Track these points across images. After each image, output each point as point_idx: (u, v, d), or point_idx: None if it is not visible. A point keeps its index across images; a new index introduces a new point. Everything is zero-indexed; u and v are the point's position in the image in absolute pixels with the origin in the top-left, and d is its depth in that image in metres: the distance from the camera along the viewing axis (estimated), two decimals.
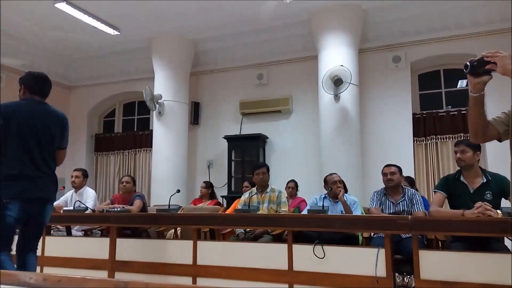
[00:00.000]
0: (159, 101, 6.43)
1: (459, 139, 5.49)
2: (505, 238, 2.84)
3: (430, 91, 6.25)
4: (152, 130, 6.86)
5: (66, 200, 4.53)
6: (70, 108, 8.17)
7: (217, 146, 6.94)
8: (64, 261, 3.66)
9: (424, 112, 6.04)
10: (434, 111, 5.98)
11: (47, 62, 7.41)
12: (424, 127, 5.96)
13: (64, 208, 4.26)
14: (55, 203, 4.48)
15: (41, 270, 3.71)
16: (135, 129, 7.99)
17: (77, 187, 4.48)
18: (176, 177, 6.34)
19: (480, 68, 1.70)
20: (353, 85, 5.47)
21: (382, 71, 6.13)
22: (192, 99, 7.09)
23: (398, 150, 5.79)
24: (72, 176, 4.50)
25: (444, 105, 6.09)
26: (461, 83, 6.07)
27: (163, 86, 6.57)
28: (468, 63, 1.73)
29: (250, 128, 6.73)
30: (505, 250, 2.76)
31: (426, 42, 5.92)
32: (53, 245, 3.78)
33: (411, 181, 4.57)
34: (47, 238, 3.80)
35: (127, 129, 8.08)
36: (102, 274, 3.51)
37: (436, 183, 4.11)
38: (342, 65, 5.40)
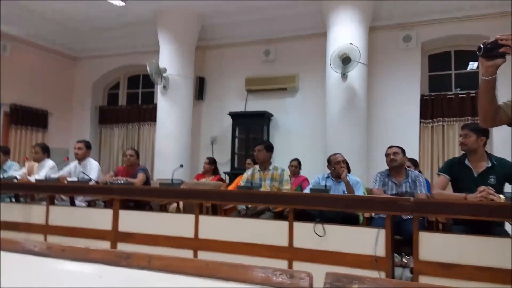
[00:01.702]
0: (164, 75, 6.38)
1: (466, 122, 5.43)
2: (506, 222, 2.85)
3: (439, 72, 6.15)
4: (156, 104, 6.83)
5: (70, 171, 4.57)
6: (75, 79, 8.16)
7: (221, 123, 6.92)
8: (68, 231, 3.72)
9: (433, 94, 5.96)
10: (442, 93, 5.90)
11: (53, 32, 7.34)
12: (432, 109, 5.90)
13: (68, 179, 4.30)
14: (59, 173, 4.55)
15: (45, 239, 3.78)
16: (140, 103, 7.97)
17: (80, 159, 4.51)
18: (180, 152, 6.36)
19: (494, 51, 1.66)
20: (362, 64, 5.39)
21: (392, 50, 6.02)
22: (198, 74, 7.03)
23: (404, 132, 5.75)
24: (75, 148, 4.52)
25: (453, 88, 6.01)
26: (472, 65, 5.97)
27: (168, 60, 6.50)
28: (481, 45, 1.68)
29: (255, 105, 6.69)
30: (505, 234, 2.77)
31: (438, 22, 5.78)
32: (57, 214, 3.83)
33: (414, 163, 4.56)
34: (51, 208, 3.85)
35: (131, 102, 8.07)
36: (105, 245, 3.57)
37: (440, 166, 4.09)
38: (351, 43, 5.31)
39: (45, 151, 4.80)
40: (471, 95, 5.65)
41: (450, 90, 5.96)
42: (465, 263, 2.54)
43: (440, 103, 5.86)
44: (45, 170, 4.59)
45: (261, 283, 0.56)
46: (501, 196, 2.61)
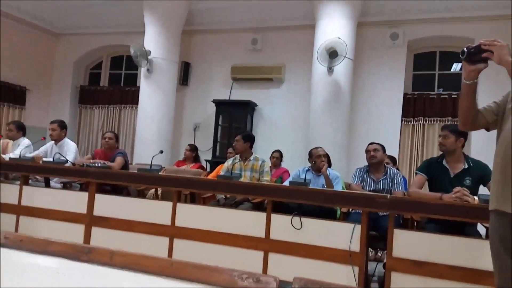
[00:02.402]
0: (148, 57, 6.24)
1: (446, 123, 5.53)
2: (479, 224, 2.92)
3: (424, 72, 6.22)
4: (139, 87, 6.70)
5: (46, 150, 4.44)
6: (56, 56, 7.92)
7: (205, 110, 6.85)
8: (42, 212, 3.64)
9: (416, 93, 6.03)
10: (425, 92, 5.98)
11: (34, 6, 7.07)
12: (414, 108, 5.97)
13: (44, 159, 4.19)
14: (34, 153, 4.42)
15: (17, 219, 3.69)
16: (122, 84, 7.80)
17: (56, 140, 4.38)
18: (161, 137, 6.28)
19: (477, 56, 1.67)
20: (348, 59, 5.39)
21: (378, 47, 6.05)
22: (183, 58, 6.91)
23: (386, 129, 5.81)
24: (49, 129, 4.39)
25: (436, 88, 6.09)
26: (456, 67, 6.05)
27: (154, 42, 6.36)
28: (465, 49, 1.69)
29: (240, 94, 6.64)
30: (477, 235, 2.83)
31: (426, 21, 5.82)
32: (31, 195, 3.73)
33: (393, 161, 4.62)
34: (24, 188, 3.74)
35: (113, 83, 7.89)
36: (79, 228, 3.51)
37: (419, 165, 4.15)
38: (339, 38, 5.29)
39: (20, 129, 4.65)
40: (453, 96, 5.74)
41: (433, 90, 6.04)
42: (437, 262, 2.60)
43: (423, 102, 5.94)
44: (20, 148, 4.46)
45: (226, 286, 0.54)
46: (475, 197, 2.67)
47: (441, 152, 3.07)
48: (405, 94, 5.98)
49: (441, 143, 2.97)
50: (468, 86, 1.76)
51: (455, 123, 4.77)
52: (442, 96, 5.86)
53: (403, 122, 5.99)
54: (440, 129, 3.09)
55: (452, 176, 2.93)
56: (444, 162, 2.99)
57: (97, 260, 0.62)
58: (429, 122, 5.89)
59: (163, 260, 0.59)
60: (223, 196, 3.72)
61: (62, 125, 4.42)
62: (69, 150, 4.31)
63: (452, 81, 5.94)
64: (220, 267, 0.57)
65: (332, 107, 5.44)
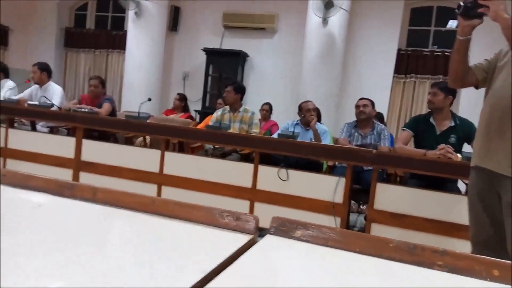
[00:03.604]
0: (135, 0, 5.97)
1: (437, 81, 5.51)
2: (460, 181, 3.01)
3: (419, 27, 6.10)
4: (126, 31, 6.46)
5: (30, 94, 4.33)
6: None
7: (194, 58, 6.69)
8: (28, 156, 3.63)
9: (409, 49, 5.95)
10: (419, 49, 5.90)
11: None
12: (407, 64, 5.92)
13: (29, 102, 4.10)
14: (18, 96, 4.32)
15: (4, 162, 3.68)
16: (109, 28, 7.51)
17: (39, 83, 4.25)
18: (149, 85, 6.16)
19: (473, 10, 1.64)
20: (344, 10, 5.23)
21: None
22: (172, 2, 6.62)
23: (377, 84, 5.79)
24: (31, 72, 4.25)
25: (430, 44, 6.00)
26: (452, 24, 5.94)
27: None
28: (461, 3, 1.65)
29: (231, 43, 6.47)
30: (456, 191, 2.93)
31: None
32: (17, 138, 3.70)
33: (380, 117, 4.63)
34: (10, 131, 3.70)
35: (100, 27, 7.59)
36: (67, 173, 3.53)
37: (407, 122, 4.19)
38: None
39: (3, 71, 4.50)
40: (446, 54, 5.67)
41: (427, 47, 5.96)
42: (416, 215, 2.70)
43: (415, 59, 5.88)
44: (4, 90, 4.34)
45: (206, 223, 0.55)
46: (459, 155, 2.73)
47: (429, 110, 3.09)
48: (399, 50, 5.90)
49: (430, 100, 2.98)
50: (461, 42, 1.74)
51: (446, 81, 4.76)
52: (435, 53, 5.80)
53: (394, 78, 5.95)
54: (430, 86, 3.09)
55: (438, 134, 2.97)
56: (431, 119, 3.02)
57: (79, 195, 0.62)
58: (420, 80, 5.87)
59: (145, 197, 0.60)
60: (212, 147, 3.73)
61: (43, 67, 4.25)
62: (55, 94, 4.22)
63: (447, 38, 5.85)
64: (201, 205, 0.58)
65: (324, 60, 5.35)
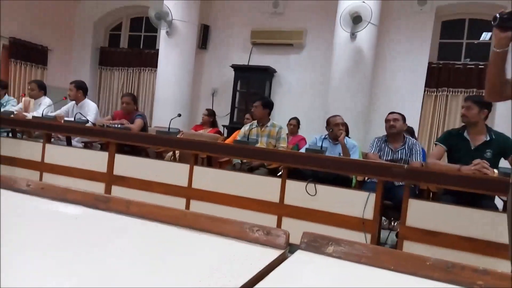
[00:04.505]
0: (167, 19, 6.17)
1: (470, 94, 5.36)
2: (497, 197, 2.87)
3: (451, 40, 5.97)
4: (158, 49, 6.67)
5: (67, 110, 4.53)
6: (76, 16, 7.91)
7: (223, 74, 6.80)
8: (63, 170, 3.76)
9: (441, 62, 5.82)
10: (451, 62, 5.76)
11: None
12: (438, 77, 5.79)
13: (65, 118, 4.27)
14: (56, 112, 4.52)
15: (41, 176, 3.82)
16: (141, 47, 7.78)
17: (75, 100, 4.44)
18: (179, 101, 6.30)
19: (509, 22, 1.59)
20: (372, 24, 5.20)
21: (405, 12, 5.81)
22: (202, 21, 6.80)
23: (407, 98, 5.68)
24: (68, 90, 4.45)
25: (462, 57, 5.86)
26: (485, 36, 5.78)
27: (173, 3, 6.25)
28: (497, 15, 1.61)
29: (259, 59, 6.54)
30: (493, 208, 2.80)
31: None
32: (53, 153, 3.84)
33: (411, 131, 4.53)
34: (47, 146, 3.86)
35: (133, 45, 7.88)
36: (100, 186, 3.62)
37: (439, 136, 4.07)
38: (363, 1, 5.09)
39: (41, 89, 4.72)
40: (480, 66, 5.52)
41: (459, 60, 5.82)
42: (450, 232, 2.60)
43: (448, 72, 5.74)
44: (42, 107, 4.55)
45: (237, 237, 0.56)
46: (495, 170, 2.62)
47: (463, 124, 3.00)
48: (429, 63, 5.78)
49: (464, 114, 2.89)
50: (497, 54, 1.69)
51: (481, 94, 4.61)
52: (468, 66, 5.65)
53: (426, 92, 5.83)
54: (464, 100, 3.00)
55: (472, 148, 2.87)
56: (465, 134, 2.92)
57: (114, 208, 0.64)
58: (453, 93, 5.72)
59: (178, 211, 0.61)
60: (239, 161, 3.75)
61: (79, 86, 4.45)
62: (90, 111, 4.38)
63: (480, 51, 5.70)
64: (232, 219, 0.58)
65: (353, 74, 5.31)
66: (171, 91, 6.31)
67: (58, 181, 3.72)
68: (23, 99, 4.73)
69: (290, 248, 0.55)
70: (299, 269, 0.51)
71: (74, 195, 0.67)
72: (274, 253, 0.52)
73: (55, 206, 0.66)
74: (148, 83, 7.52)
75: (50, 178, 3.80)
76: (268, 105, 4.02)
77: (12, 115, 4.22)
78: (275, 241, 0.54)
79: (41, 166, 3.84)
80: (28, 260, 0.45)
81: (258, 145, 3.80)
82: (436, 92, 5.80)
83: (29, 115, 4.38)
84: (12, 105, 4.81)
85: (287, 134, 4.26)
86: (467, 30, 5.86)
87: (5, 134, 4.39)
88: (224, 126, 6.44)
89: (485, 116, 2.87)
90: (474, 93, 5.38)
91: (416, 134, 5.14)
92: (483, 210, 2.62)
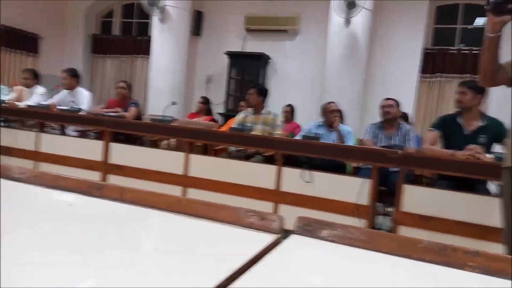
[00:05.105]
0: (159, 5, 6.08)
1: (465, 80, 5.36)
2: (489, 182, 2.90)
3: (445, 25, 5.95)
4: (151, 36, 6.59)
5: (60, 99, 4.48)
6: (67, 4, 7.77)
7: (217, 61, 6.75)
8: (58, 159, 3.74)
9: (435, 47, 5.81)
10: (445, 47, 5.75)
11: None
12: (433, 63, 5.78)
13: (58, 107, 4.23)
14: (49, 101, 4.47)
15: (36, 166, 3.80)
16: (134, 34, 7.69)
17: (69, 88, 4.40)
18: (174, 89, 6.26)
19: (503, 6, 1.58)
20: (367, 10, 5.17)
21: None
22: (195, 7, 6.71)
23: (402, 84, 5.68)
24: (61, 78, 4.40)
25: (456, 42, 5.85)
26: (479, 21, 5.76)
27: None
28: None
29: (253, 46, 6.49)
30: (487, 192, 2.83)
31: None
32: (47, 142, 3.82)
33: (406, 117, 4.54)
34: (41, 135, 3.83)
35: (125, 32, 7.78)
36: (95, 175, 3.62)
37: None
38: None
39: (35, 77, 4.67)
40: (474, 52, 5.52)
41: (453, 45, 5.81)
42: (445, 217, 2.63)
43: (442, 58, 5.74)
44: (36, 96, 4.50)
45: (231, 223, 0.56)
46: (489, 155, 2.64)
47: (457, 110, 3.00)
48: (424, 49, 5.77)
49: (458, 99, 2.90)
50: (491, 39, 1.69)
51: (475, 80, 4.62)
52: (463, 51, 5.64)
53: (420, 78, 5.83)
54: (458, 85, 3.01)
55: (466, 134, 2.88)
56: (459, 119, 2.93)
57: (108, 195, 0.64)
58: (447, 79, 5.73)
59: (172, 197, 0.61)
60: (235, 149, 3.75)
61: (73, 74, 4.40)
62: (84, 99, 4.34)
63: (474, 36, 5.68)
64: (226, 205, 0.58)
65: (348, 61, 5.29)
66: (165, 78, 6.26)
67: (54, 170, 3.70)
68: (16, 88, 4.68)
69: (286, 234, 0.55)
70: (294, 252, 0.52)
71: (68, 182, 0.66)
72: (269, 238, 0.52)
73: (49, 193, 0.65)
74: (141, 70, 7.45)
75: (45, 167, 3.78)
76: (263, 92, 4.00)
77: (4, 104, 4.18)
78: (269, 226, 0.54)
79: (36, 156, 3.82)
80: (25, 247, 0.45)
81: (254, 132, 3.80)
82: (431, 78, 5.81)
83: (22, 104, 4.33)
84: (5, 94, 4.76)
85: (282, 121, 4.25)
86: (462, 15, 5.84)
87: None
88: (219, 113, 6.42)
89: (478, 101, 2.88)
90: (469, 79, 5.38)
91: (410, 120, 5.15)
92: (476, 194, 2.65)
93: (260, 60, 6.33)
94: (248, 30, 6.53)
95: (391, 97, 3.59)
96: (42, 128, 3.89)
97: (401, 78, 5.76)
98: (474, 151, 2.60)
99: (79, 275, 0.41)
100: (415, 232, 2.71)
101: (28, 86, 4.67)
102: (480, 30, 5.67)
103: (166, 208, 0.60)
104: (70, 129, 4.23)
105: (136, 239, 0.55)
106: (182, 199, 0.60)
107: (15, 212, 0.58)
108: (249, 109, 4.08)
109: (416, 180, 3.26)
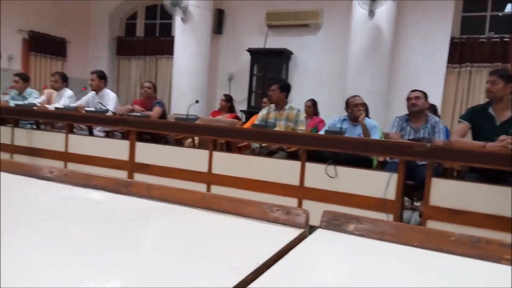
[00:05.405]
0: (182, 6, 6.14)
1: (495, 68, 5.17)
2: None
3: (474, 13, 5.74)
4: (174, 37, 6.67)
5: (87, 101, 4.61)
6: (92, 8, 7.96)
7: (239, 59, 6.76)
8: (86, 159, 3.84)
9: (464, 36, 5.62)
10: (474, 36, 5.55)
11: None
12: (461, 53, 5.59)
13: (86, 109, 4.35)
14: (77, 103, 4.61)
15: (65, 166, 3.92)
16: (157, 34, 7.80)
17: (96, 90, 4.52)
18: (197, 88, 6.32)
19: None
20: (391, 0, 5.05)
21: None
22: (217, 6, 6.74)
23: (429, 76, 5.53)
24: (89, 80, 4.53)
25: (486, 31, 5.63)
26: (510, 7, 5.53)
27: None
28: None
29: (275, 42, 6.46)
30: None
31: None
32: (76, 143, 3.93)
33: (433, 109, 4.42)
34: (70, 136, 3.95)
35: (149, 33, 7.91)
36: (122, 174, 3.69)
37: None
38: None
39: (64, 80, 4.82)
40: (505, 39, 5.30)
41: (482, 34, 5.60)
42: (475, 210, 2.54)
43: (471, 47, 5.54)
44: (64, 99, 4.65)
45: (257, 218, 0.56)
46: None
47: (488, 100, 2.90)
48: (452, 38, 5.59)
49: (489, 89, 2.79)
50: None
51: (506, 68, 4.44)
52: (493, 39, 5.43)
53: (448, 68, 5.65)
54: (488, 75, 2.90)
55: (498, 124, 2.78)
56: (490, 110, 2.83)
57: (135, 192, 0.65)
58: (477, 68, 5.52)
59: (197, 193, 0.61)
60: (258, 145, 3.75)
61: (101, 75, 4.53)
62: (110, 100, 4.45)
63: (505, 24, 5.46)
64: (251, 200, 0.58)
65: (372, 54, 5.19)
66: (188, 77, 6.32)
67: (82, 170, 3.81)
68: (46, 91, 4.84)
69: (311, 229, 0.55)
70: (320, 247, 0.51)
71: (96, 181, 0.68)
72: (294, 232, 0.52)
73: (78, 191, 0.67)
74: (165, 70, 7.56)
75: (74, 168, 3.90)
76: (286, 88, 3.98)
77: (35, 107, 4.33)
78: (295, 220, 0.53)
79: (65, 156, 3.93)
80: (53, 245, 0.47)
81: (277, 128, 3.79)
82: (459, 68, 5.62)
83: (51, 107, 4.48)
84: (35, 97, 4.93)
85: (305, 116, 4.22)
86: (491, 2, 5.62)
87: (29, 126, 4.51)
88: (242, 111, 6.44)
89: (511, 90, 2.77)
90: (499, 68, 5.18)
91: (439, 112, 5.01)
92: (506, 186, 2.55)
93: (282, 56, 6.30)
94: (270, 26, 6.50)
95: (418, 89, 3.50)
96: (71, 130, 4.00)
97: (428, 69, 5.60)
98: (506, 141, 2.50)
99: (102, 270, 0.42)
100: (444, 226, 2.64)
101: (56, 89, 4.82)
102: (511, 16, 5.45)
103: (191, 204, 0.60)
104: (98, 130, 4.34)
105: (160, 235, 0.56)
106: (207, 195, 0.61)
107: (44, 210, 0.59)
108: (272, 105, 4.07)
109: (445, 174, 3.17)
